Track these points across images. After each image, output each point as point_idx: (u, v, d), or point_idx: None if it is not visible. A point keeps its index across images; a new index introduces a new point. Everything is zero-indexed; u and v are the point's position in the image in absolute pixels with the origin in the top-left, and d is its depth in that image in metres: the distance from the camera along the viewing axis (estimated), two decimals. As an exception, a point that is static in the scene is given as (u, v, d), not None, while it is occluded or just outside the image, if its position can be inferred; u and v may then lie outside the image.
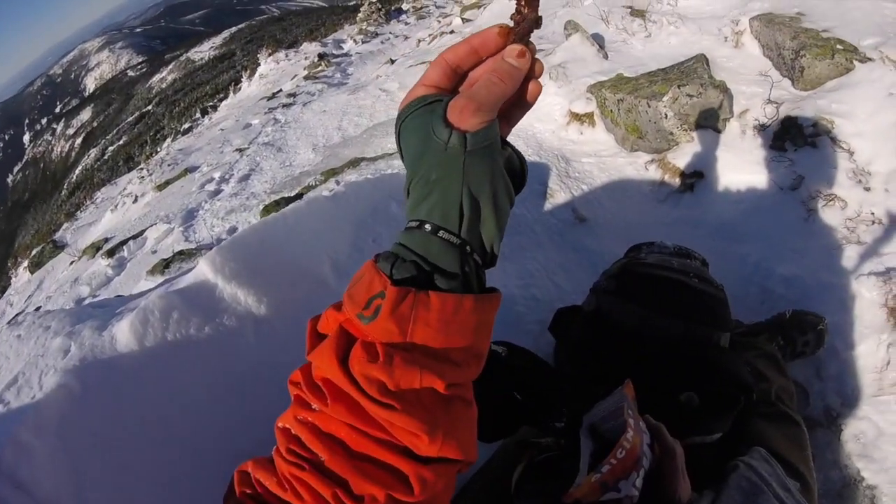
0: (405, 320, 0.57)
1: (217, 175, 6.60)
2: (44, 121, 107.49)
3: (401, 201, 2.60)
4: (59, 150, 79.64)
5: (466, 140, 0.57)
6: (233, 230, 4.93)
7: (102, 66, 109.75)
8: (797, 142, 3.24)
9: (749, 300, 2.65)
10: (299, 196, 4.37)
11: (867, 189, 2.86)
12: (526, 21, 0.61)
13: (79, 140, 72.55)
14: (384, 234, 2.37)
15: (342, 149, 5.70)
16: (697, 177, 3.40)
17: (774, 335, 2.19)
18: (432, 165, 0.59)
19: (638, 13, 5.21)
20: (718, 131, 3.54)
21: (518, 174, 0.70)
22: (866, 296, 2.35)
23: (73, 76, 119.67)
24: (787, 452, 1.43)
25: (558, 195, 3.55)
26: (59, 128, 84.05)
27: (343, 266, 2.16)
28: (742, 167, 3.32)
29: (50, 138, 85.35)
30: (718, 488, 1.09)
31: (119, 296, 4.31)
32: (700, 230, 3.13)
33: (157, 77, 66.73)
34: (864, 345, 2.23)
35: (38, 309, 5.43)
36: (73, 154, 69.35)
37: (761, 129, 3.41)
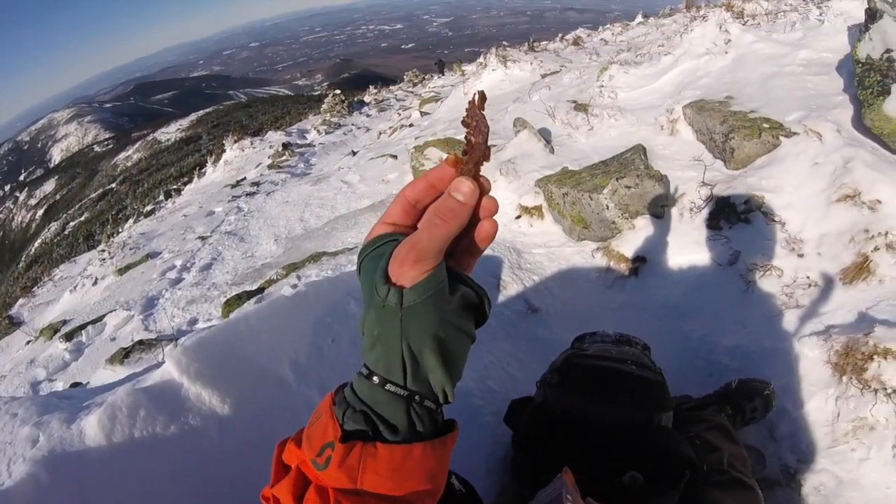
0: (354, 470, 0.58)
1: (179, 263, 6.55)
2: (7, 187, 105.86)
3: (359, 299, 2.68)
4: (20, 219, 77.82)
5: (403, 297, 0.56)
6: (193, 321, 4.88)
7: (70, 139, 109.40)
8: (731, 219, 3.47)
9: (696, 374, 2.75)
10: (260, 290, 4.38)
11: (801, 255, 3.06)
12: (475, 150, 0.59)
13: (40, 211, 71.30)
14: (343, 334, 2.43)
15: (304, 241, 5.81)
16: (641, 261, 3.59)
17: (723, 405, 2.28)
18: (374, 320, 0.59)
19: (581, 107, 5.57)
20: (658, 217, 3.77)
21: (476, 308, 0.67)
22: (809, 355, 2.47)
23: (39, 145, 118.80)
24: (741, 518, 1.50)
25: (511, 287, 3.67)
26: (22, 197, 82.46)
27: (303, 366, 2.21)
28: (682, 248, 3.52)
29: (11, 206, 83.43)
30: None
31: (77, 383, 4.22)
32: (646, 312, 3.27)
33: (122, 155, 66.70)
34: (813, 401, 2.33)
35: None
36: (34, 225, 67.95)
37: (697, 210, 3.65)
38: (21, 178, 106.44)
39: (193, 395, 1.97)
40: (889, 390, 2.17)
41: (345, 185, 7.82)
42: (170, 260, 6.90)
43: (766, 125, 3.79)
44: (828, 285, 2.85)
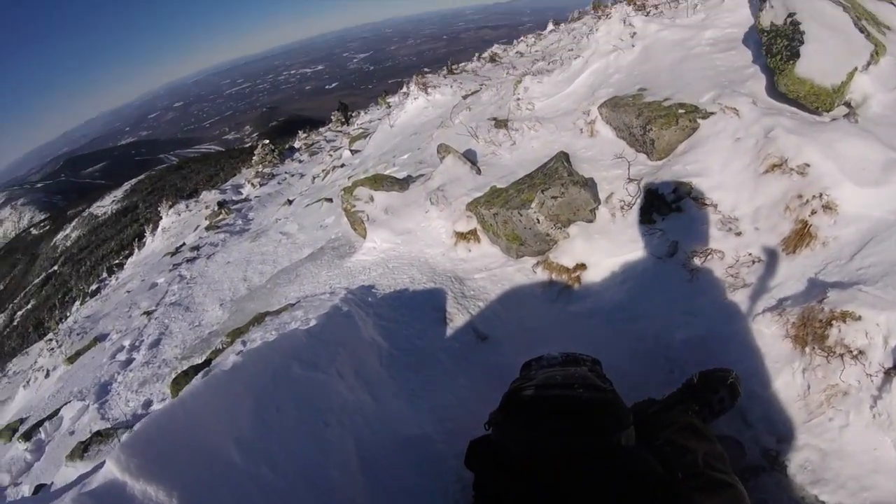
0: None
1: (127, 342, 6.29)
2: None
3: (302, 361, 2.61)
4: None
5: None
6: (147, 404, 4.70)
7: (6, 224, 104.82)
8: (663, 210, 3.48)
9: (657, 373, 2.67)
10: (207, 363, 4.25)
11: (738, 234, 3.06)
12: None
13: None
14: (287, 401, 2.30)
15: (248, 302, 5.69)
16: (581, 268, 3.59)
17: (688, 403, 2.21)
18: None
19: (501, 124, 5.61)
20: (590, 221, 3.78)
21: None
22: (766, 332, 2.45)
23: None
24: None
25: (457, 318, 3.60)
26: None
27: (248, 441, 2.08)
28: (619, 248, 3.51)
29: None
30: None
31: (42, 485, 4.06)
32: (595, 319, 3.22)
33: (61, 235, 64.50)
34: (780, 379, 2.29)
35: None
36: None
37: (628, 207, 3.67)
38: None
39: (139, 493, 1.86)
40: (855, 352, 2.13)
41: (284, 236, 7.70)
42: (118, 341, 6.61)
43: (681, 111, 3.84)
44: (772, 258, 2.84)
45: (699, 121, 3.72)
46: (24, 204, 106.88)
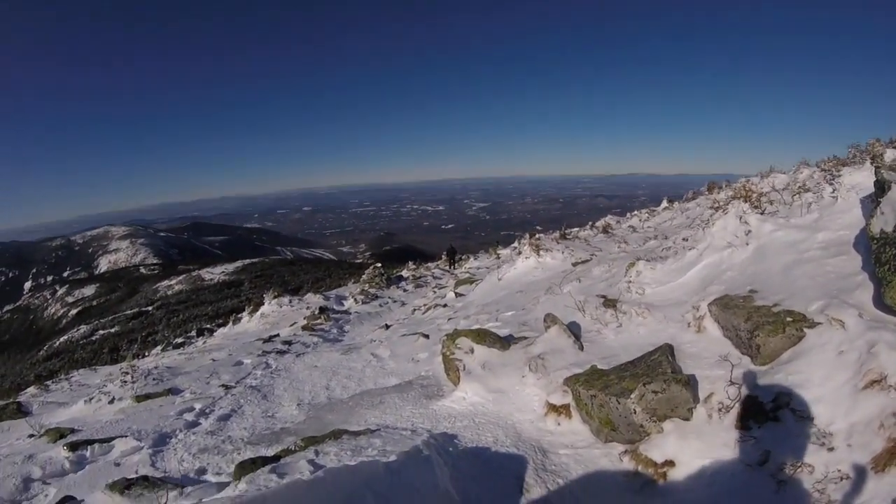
0: None
1: (198, 406, 6.42)
2: (49, 278, 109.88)
3: (377, 494, 2.63)
4: (52, 310, 79.21)
5: None
6: (201, 471, 4.67)
7: (120, 254, 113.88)
8: (760, 418, 3.42)
9: None
10: (276, 458, 4.23)
11: (831, 449, 2.97)
12: None
13: (74, 311, 72.79)
14: None
15: (327, 412, 5.77)
16: (669, 465, 3.49)
17: None
18: None
19: (610, 303, 5.71)
20: (686, 419, 3.72)
21: None
22: None
23: (90, 250, 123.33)
24: None
25: (534, 489, 3.54)
26: (61, 292, 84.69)
27: None
28: (711, 450, 3.42)
29: (49, 296, 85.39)
30: None
31: (71, 497, 4.09)
32: None
33: (165, 282, 69.03)
34: None
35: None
36: (65, 321, 69.25)
37: (726, 411, 3.60)
38: (65, 274, 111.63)
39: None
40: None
41: (375, 358, 7.90)
42: (190, 401, 6.80)
43: (789, 318, 3.85)
44: (860, 476, 2.77)
45: (805, 330, 3.72)
46: (143, 244, 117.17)
